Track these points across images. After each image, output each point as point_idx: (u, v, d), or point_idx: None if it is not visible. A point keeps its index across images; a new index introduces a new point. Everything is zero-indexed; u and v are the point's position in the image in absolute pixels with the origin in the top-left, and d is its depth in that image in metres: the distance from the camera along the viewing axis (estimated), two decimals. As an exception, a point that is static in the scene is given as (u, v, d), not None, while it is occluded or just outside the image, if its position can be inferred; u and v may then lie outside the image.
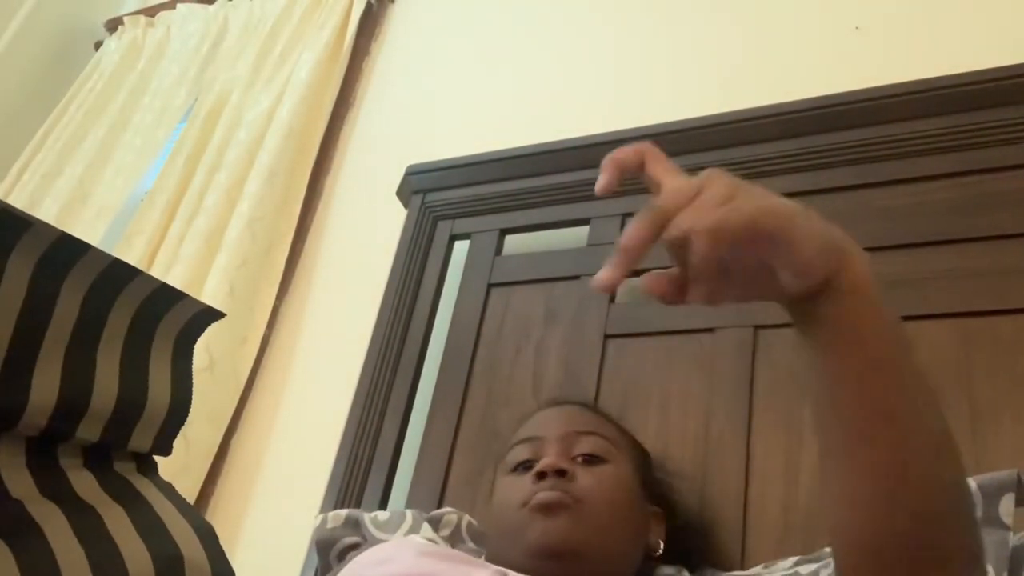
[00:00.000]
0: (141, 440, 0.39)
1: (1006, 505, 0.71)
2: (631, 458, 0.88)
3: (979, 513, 0.71)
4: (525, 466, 0.85)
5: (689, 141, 1.21)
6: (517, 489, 0.82)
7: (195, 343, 0.42)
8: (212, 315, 0.42)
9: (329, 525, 1.00)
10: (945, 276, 0.99)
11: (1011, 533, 0.71)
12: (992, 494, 0.72)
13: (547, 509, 0.78)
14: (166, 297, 0.40)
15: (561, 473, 0.80)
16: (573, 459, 0.84)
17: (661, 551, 0.86)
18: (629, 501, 0.84)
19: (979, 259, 0.99)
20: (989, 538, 0.69)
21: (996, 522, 0.71)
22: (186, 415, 0.40)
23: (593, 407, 0.96)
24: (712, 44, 1.49)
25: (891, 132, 1.10)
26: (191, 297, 0.41)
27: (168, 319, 0.40)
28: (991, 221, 1.00)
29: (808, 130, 1.15)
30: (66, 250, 0.35)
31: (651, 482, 0.91)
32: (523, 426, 0.92)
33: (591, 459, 0.84)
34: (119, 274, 0.37)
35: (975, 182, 1.03)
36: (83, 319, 0.36)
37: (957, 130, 1.06)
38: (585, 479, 0.81)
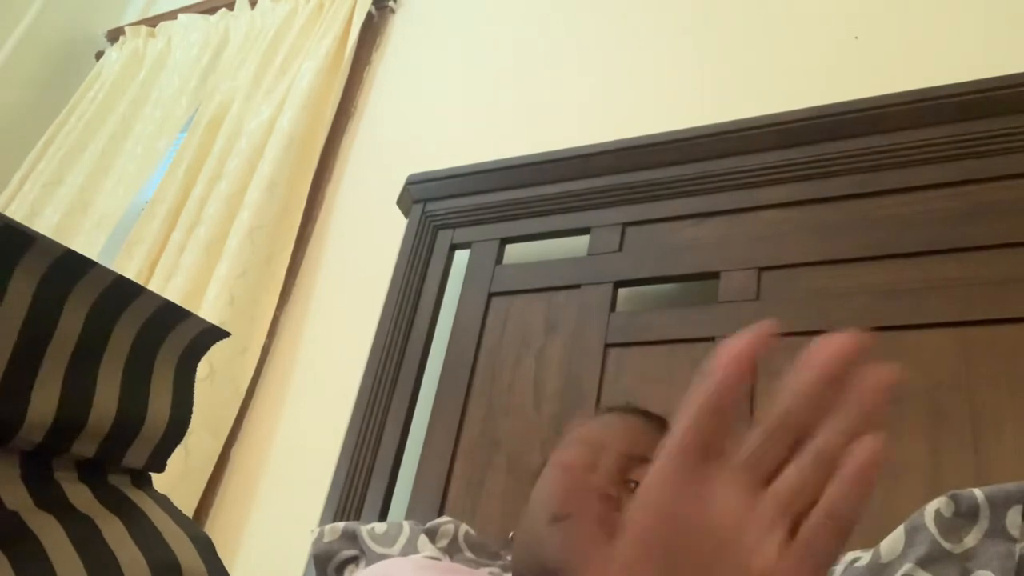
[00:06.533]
0: (135, 457, 0.39)
1: (1013, 517, 0.71)
2: None
3: (985, 524, 0.71)
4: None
5: (689, 150, 1.21)
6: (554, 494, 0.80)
7: (199, 362, 0.41)
8: (216, 334, 0.42)
9: (326, 539, 1.00)
10: (945, 285, 0.99)
11: (1018, 544, 0.70)
12: (999, 506, 0.71)
13: None
14: (170, 315, 0.39)
15: (608, 499, 0.77)
16: (626, 483, 0.81)
17: None
18: None
19: (979, 268, 0.99)
20: (995, 549, 0.69)
21: (1003, 534, 0.71)
22: (183, 435, 0.40)
23: (660, 422, 0.90)
24: (712, 53, 1.49)
25: (891, 141, 1.10)
26: (196, 315, 0.40)
27: (172, 338, 0.40)
28: (991, 230, 1.00)
29: (808, 139, 1.15)
30: (70, 266, 0.35)
31: None
32: (591, 421, 0.90)
33: None
34: (123, 291, 0.37)
35: (975, 191, 1.03)
36: (85, 336, 0.35)
37: (957, 139, 1.06)
38: None
